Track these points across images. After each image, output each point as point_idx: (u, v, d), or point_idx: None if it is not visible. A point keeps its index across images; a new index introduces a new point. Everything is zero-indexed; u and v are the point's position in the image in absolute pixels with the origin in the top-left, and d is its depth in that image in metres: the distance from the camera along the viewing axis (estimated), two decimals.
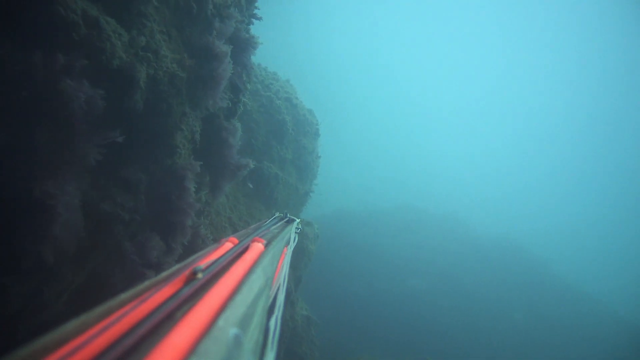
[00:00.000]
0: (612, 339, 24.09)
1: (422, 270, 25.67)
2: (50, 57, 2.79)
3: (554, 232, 60.22)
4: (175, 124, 4.70)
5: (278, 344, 0.89)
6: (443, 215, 33.45)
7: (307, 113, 12.03)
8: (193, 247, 6.23)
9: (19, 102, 2.89)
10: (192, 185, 4.54)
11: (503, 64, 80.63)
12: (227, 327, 0.69)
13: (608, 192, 72.75)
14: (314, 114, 12.41)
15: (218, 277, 0.91)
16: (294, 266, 10.60)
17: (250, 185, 6.01)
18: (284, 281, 1.33)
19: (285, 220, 2.52)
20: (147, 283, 0.85)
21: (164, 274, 0.92)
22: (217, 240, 6.89)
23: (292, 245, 1.92)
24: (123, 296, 0.77)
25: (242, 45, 5.20)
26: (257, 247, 1.28)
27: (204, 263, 1.00)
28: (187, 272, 0.91)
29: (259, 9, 5.77)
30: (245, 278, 0.95)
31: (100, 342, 0.61)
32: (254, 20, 5.71)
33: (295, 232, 2.29)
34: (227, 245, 1.25)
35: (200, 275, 0.89)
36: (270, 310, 1.00)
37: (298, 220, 2.71)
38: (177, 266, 0.98)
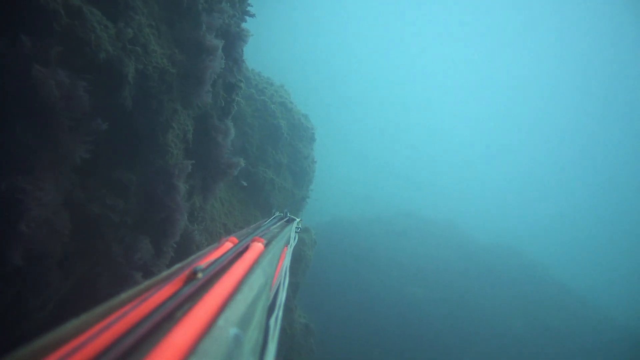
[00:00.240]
0: (613, 347, 23.87)
1: (420, 278, 25.48)
2: (18, 42, 2.61)
3: (553, 238, 60.37)
4: (166, 122, 4.54)
5: (278, 343, 0.86)
6: (441, 222, 33.41)
7: (303, 118, 11.91)
8: (187, 253, 6.02)
9: None
10: (183, 184, 4.37)
11: (499, 65, 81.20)
12: (227, 327, 0.68)
13: (607, 197, 73.00)
14: (309, 119, 12.30)
15: (218, 276, 0.91)
16: (291, 273, 10.35)
17: (245, 183, 5.87)
18: (284, 280, 1.30)
19: (285, 219, 2.54)
20: (147, 283, 0.84)
21: (164, 273, 0.92)
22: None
23: (292, 244, 1.93)
24: (123, 296, 0.77)
25: (233, 40, 5.09)
26: (257, 246, 1.28)
27: (204, 263, 0.99)
28: (187, 272, 0.90)
29: (251, 6, 5.66)
30: (245, 278, 0.95)
31: (100, 342, 0.61)
32: (247, 17, 5.59)
33: (296, 232, 2.26)
34: (227, 245, 1.26)
35: (200, 275, 0.88)
36: (270, 310, 0.99)
37: (298, 220, 2.75)
38: (177, 266, 0.97)
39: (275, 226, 2.15)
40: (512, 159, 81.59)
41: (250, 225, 8.14)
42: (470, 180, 75.20)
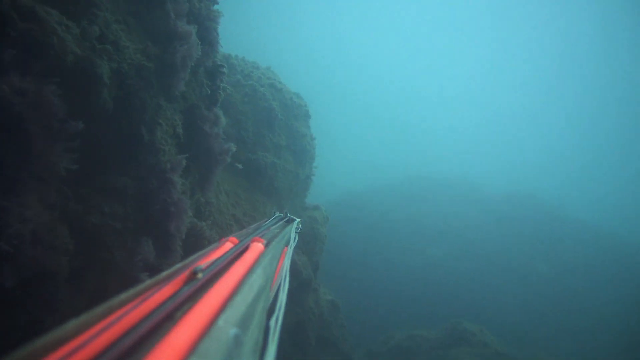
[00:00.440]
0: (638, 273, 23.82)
1: (439, 238, 25.52)
2: None
3: (565, 176, 60.09)
4: (152, 119, 4.38)
5: (278, 343, 0.85)
6: (453, 180, 33.25)
7: (294, 96, 11.68)
8: (199, 250, 5.95)
9: None
10: (179, 179, 4.25)
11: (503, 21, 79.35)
12: (227, 327, 0.68)
13: (618, 126, 71.78)
14: (300, 97, 12.07)
15: (218, 277, 0.91)
16: (309, 252, 10.37)
17: (240, 166, 5.79)
18: (284, 281, 1.29)
19: (285, 220, 2.53)
20: (147, 283, 0.84)
21: (164, 273, 0.91)
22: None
23: (292, 244, 1.91)
24: (123, 296, 0.77)
25: (204, 22, 4.90)
26: (257, 247, 1.28)
27: (204, 263, 0.99)
28: (187, 272, 0.90)
29: None
30: (245, 278, 0.95)
31: (100, 342, 0.60)
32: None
33: (296, 232, 2.27)
34: (227, 245, 1.26)
35: (200, 275, 0.88)
36: (271, 310, 1.00)
37: (298, 220, 2.72)
38: (177, 266, 0.97)
39: (275, 226, 2.16)
40: (515, 103, 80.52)
41: (257, 218, 8.10)
42: (476, 133, 74.61)
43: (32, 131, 2.69)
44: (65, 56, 3.25)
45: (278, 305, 1.06)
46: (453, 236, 25.73)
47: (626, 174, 61.97)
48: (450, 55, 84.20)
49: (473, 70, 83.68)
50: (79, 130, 3.08)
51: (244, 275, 0.98)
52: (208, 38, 5.01)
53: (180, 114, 5.02)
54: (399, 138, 70.55)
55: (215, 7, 5.57)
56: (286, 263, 1.59)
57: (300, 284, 9.36)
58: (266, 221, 2.33)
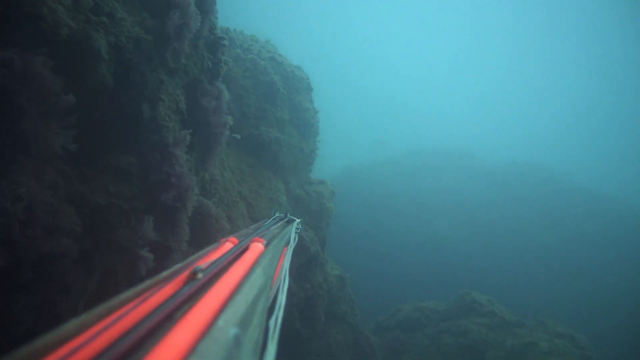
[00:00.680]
0: None
1: (443, 211, 25.51)
2: None
3: (571, 143, 59.60)
4: (154, 94, 4.24)
5: (278, 343, 0.85)
6: (454, 153, 32.98)
7: (295, 69, 11.42)
8: (206, 228, 5.91)
9: None
10: (184, 155, 4.14)
11: None
12: (227, 327, 0.68)
13: (628, 90, 70.50)
14: (302, 69, 11.81)
15: (218, 277, 0.91)
16: (316, 227, 10.35)
17: (238, 136, 5.70)
18: (284, 281, 1.29)
19: (285, 220, 2.57)
20: (147, 283, 0.85)
21: (164, 273, 0.92)
22: (230, 218, 6.50)
23: (292, 245, 1.93)
24: (123, 296, 0.77)
25: None
26: (257, 247, 1.29)
27: (204, 263, 0.99)
28: (187, 272, 0.90)
29: None
30: (245, 278, 0.96)
31: (100, 342, 0.60)
32: None
33: (296, 232, 2.29)
34: (227, 245, 1.26)
35: (200, 275, 0.88)
36: (270, 310, 1.00)
37: (298, 220, 2.76)
38: (177, 266, 0.97)
39: (275, 226, 2.18)
40: (512, 70, 79.22)
41: (262, 194, 8.01)
42: (475, 105, 73.78)
43: (21, 105, 2.55)
44: (58, 29, 3.10)
45: (278, 305, 1.06)
46: (457, 208, 25.72)
47: (638, 140, 61.26)
48: (451, 26, 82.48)
49: (473, 41, 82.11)
50: (73, 105, 2.94)
51: (244, 275, 0.99)
52: (205, 8, 4.81)
53: (183, 89, 4.87)
54: (399, 112, 69.89)
55: None
56: (286, 263, 1.60)
57: (308, 260, 9.37)
58: (266, 221, 2.35)
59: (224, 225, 6.07)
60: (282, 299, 1.13)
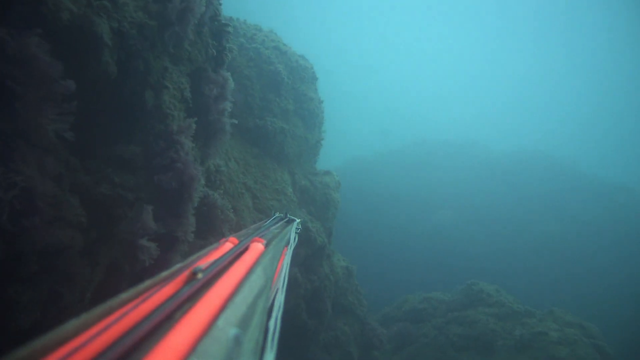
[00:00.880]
0: None
1: (448, 201, 25.38)
2: None
3: (575, 130, 59.06)
4: (158, 82, 4.13)
5: (278, 343, 0.87)
6: (458, 142, 32.75)
7: (300, 58, 11.26)
8: (212, 219, 5.82)
9: None
10: (190, 143, 4.03)
11: None
12: (227, 327, 0.69)
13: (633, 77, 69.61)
14: (306, 59, 11.64)
15: (218, 277, 0.91)
16: (322, 219, 10.25)
17: (235, 122, 5.60)
18: (284, 281, 1.31)
19: (285, 220, 2.58)
20: (147, 283, 0.85)
21: (164, 273, 0.91)
22: (236, 209, 6.38)
23: (292, 245, 1.93)
24: (123, 296, 0.77)
25: None
26: (257, 247, 1.29)
27: (204, 263, 0.99)
28: (187, 272, 0.90)
29: None
30: (245, 278, 0.96)
31: (100, 342, 0.60)
32: None
33: (296, 232, 2.31)
34: (227, 245, 1.26)
35: (200, 275, 0.88)
36: (270, 311, 1.00)
37: (298, 221, 2.77)
38: (177, 266, 0.97)
39: (275, 227, 2.17)
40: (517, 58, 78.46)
41: (267, 185, 7.91)
42: (480, 94, 73.26)
43: (13, 89, 2.43)
44: (59, 12, 2.98)
45: (277, 305, 1.07)
46: (462, 199, 25.58)
47: None
48: (454, 16, 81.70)
49: (480, 29, 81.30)
50: (73, 92, 2.82)
51: (244, 275, 0.98)
52: None
53: (187, 77, 4.75)
54: (403, 104, 69.48)
55: None
56: (286, 263, 1.60)
57: (314, 252, 9.28)
58: (266, 221, 2.36)
59: (230, 217, 5.99)
60: (281, 299, 1.14)
